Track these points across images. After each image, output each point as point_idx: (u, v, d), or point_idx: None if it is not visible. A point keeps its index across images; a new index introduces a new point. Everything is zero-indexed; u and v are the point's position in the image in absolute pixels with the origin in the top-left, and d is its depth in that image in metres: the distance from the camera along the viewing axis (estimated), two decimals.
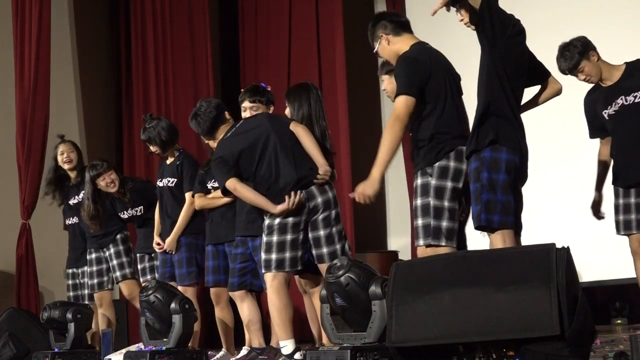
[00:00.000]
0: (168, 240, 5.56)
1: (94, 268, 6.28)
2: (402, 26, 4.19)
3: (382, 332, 3.37)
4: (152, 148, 5.67)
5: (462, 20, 4.03)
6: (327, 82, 8.08)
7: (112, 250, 6.22)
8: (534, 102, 4.16)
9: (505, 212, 3.78)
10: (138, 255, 6.07)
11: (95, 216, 6.03)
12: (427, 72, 4.03)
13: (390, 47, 4.18)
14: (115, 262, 6.20)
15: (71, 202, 6.43)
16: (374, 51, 4.26)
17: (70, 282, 6.58)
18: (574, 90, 6.19)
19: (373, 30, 4.22)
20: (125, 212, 6.12)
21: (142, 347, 4.78)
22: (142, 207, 6.04)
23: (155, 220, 5.77)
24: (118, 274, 6.20)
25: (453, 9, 4.01)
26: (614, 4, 6.41)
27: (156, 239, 5.71)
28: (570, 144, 6.34)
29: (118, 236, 6.23)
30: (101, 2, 9.50)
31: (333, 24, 8.15)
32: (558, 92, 4.14)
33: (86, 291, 6.42)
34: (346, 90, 7.93)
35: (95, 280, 6.28)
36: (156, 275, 5.86)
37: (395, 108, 3.98)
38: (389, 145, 3.95)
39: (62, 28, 8.87)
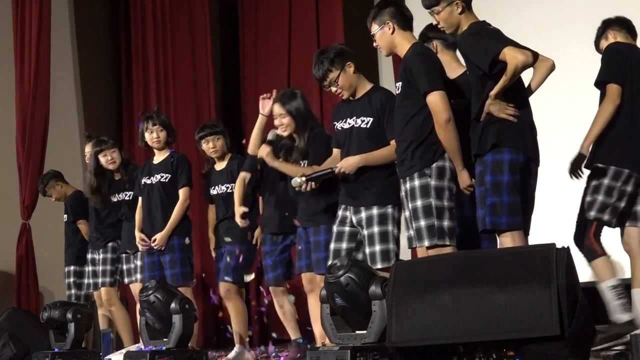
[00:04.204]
0: (161, 235, 5.54)
1: (89, 268, 6.43)
2: (408, 22, 4.18)
3: (382, 332, 3.37)
4: (159, 135, 5.65)
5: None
6: None
7: (100, 256, 6.31)
8: (532, 86, 4.10)
9: (512, 213, 3.75)
10: (124, 255, 6.08)
11: (97, 190, 6.15)
12: (440, 68, 4.05)
13: (392, 36, 4.16)
14: (100, 267, 6.31)
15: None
16: (371, 33, 4.22)
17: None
18: (575, 88, 6.19)
19: (379, 13, 4.18)
20: (117, 195, 6.15)
21: (142, 347, 4.78)
22: (132, 193, 6.05)
23: (137, 219, 5.75)
24: (99, 280, 6.30)
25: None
26: (614, 2, 6.40)
27: (140, 235, 5.67)
28: (571, 144, 6.33)
29: (110, 244, 6.30)
30: (101, 2, 9.50)
31: (333, 23, 8.15)
32: (552, 68, 4.05)
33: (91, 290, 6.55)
34: None
35: (91, 280, 6.41)
36: (138, 276, 5.89)
37: (435, 111, 3.93)
38: (457, 144, 3.95)
39: (62, 28, 8.87)
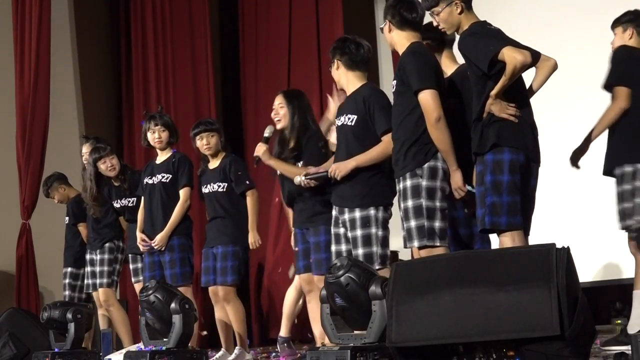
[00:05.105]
0: (161, 235, 5.55)
1: (88, 269, 6.41)
2: (408, 23, 4.16)
3: (382, 332, 3.37)
4: (161, 135, 5.66)
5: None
6: (327, 82, 8.08)
7: (98, 257, 6.30)
8: (534, 86, 4.10)
9: (512, 213, 3.74)
10: (130, 255, 6.09)
11: (98, 197, 6.20)
12: (434, 67, 4.05)
13: (390, 35, 4.21)
14: (97, 268, 6.30)
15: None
16: (380, 27, 4.31)
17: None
18: (576, 88, 6.19)
19: (385, 11, 4.24)
20: (119, 200, 6.17)
21: (142, 347, 4.77)
22: (135, 199, 6.06)
23: (139, 219, 5.75)
24: (97, 281, 6.29)
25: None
26: (614, 3, 6.40)
27: (141, 235, 5.67)
28: (571, 143, 6.34)
29: (107, 244, 6.29)
30: (101, 2, 9.50)
31: (333, 24, 8.15)
32: (554, 68, 4.03)
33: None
34: None
35: (90, 281, 6.41)
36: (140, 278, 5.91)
37: (426, 109, 3.93)
38: (449, 144, 3.95)
39: (62, 28, 8.87)
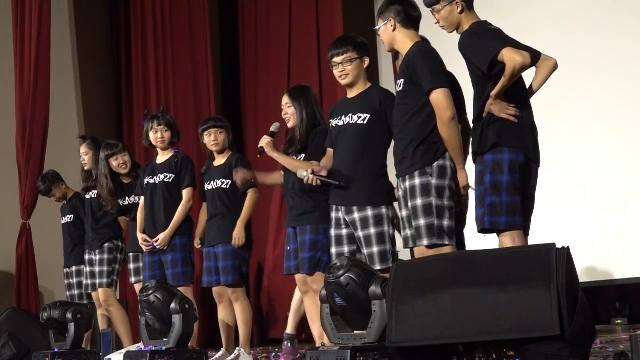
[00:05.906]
0: (164, 235, 5.53)
1: (88, 269, 6.40)
2: (412, 21, 4.16)
3: (382, 332, 3.37)
4: (164, 135, 5.66)
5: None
6: (327, 81, 8.09)
7: (97, 257, 6.29)
8: (534, 86, 4.07)
9: (512, 213, 3.74)
10: (131, 254, 6.08)
11: (115, 192, 6.16)
12: (443, 66, 4.05)
13: (393, 34, 4.15)
14: (97, 268, 6.28)
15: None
16: (375, 28, 4.25)
17: (65, 281, 6.76)
18: (576, 88, 6.19)
19: (385, 10, 4.17)
20: (127, 198, 6.15)
21: (142, 347, 4.78)
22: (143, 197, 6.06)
23: (139, 219, 5.75)
24: (97, 281, 6.28)
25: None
26: (613, 3, 6.41)
27: (143, 236, 5.65)
28: (571, 144, 6.34)
29: (106, 245, 6.28)
30: (101, 2, 9.51)
31: (333, 24, 8.16)
32: (554, 67, 4.02)
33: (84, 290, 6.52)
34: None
35: (89, 281, 6.40)
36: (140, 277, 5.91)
37: (440, 108, 3.91)
38: (460, 143, 3.95)
39: (62, 28, 8.88)
